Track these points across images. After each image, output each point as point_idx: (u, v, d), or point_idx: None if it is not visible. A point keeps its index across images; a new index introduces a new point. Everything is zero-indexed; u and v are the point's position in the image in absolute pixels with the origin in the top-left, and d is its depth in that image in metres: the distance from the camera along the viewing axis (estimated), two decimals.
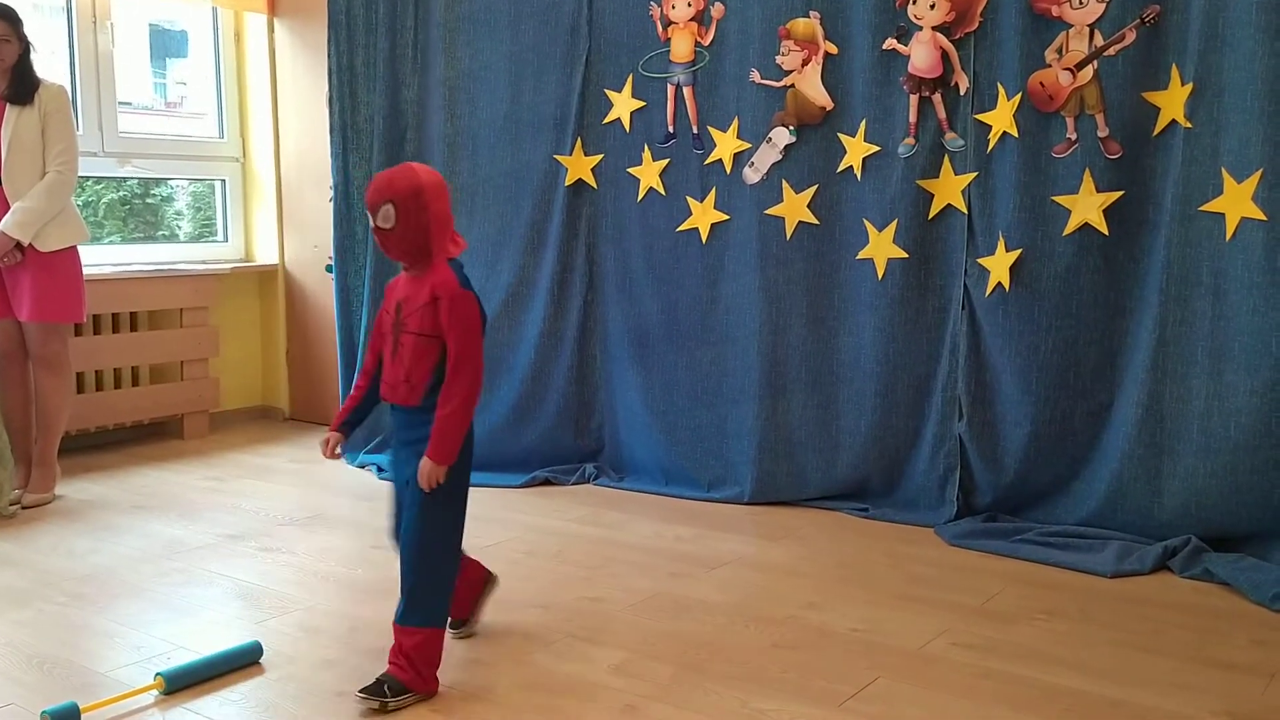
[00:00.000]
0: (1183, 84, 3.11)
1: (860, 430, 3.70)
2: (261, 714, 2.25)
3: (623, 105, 4.06)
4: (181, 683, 2.34)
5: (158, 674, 2.34)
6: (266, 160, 5.32)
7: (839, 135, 3.67)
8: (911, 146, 3.53)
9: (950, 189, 3.50)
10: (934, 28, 3.45)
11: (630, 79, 4.04)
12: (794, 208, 3.74)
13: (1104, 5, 3.20)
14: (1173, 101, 3.14)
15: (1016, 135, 3.34)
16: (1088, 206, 3.25)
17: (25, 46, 3.76)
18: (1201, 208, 3.10)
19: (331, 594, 2.97)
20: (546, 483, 4.18)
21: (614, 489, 4.09)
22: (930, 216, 3.54)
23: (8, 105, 3.71)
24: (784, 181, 3.75)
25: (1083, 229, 3.27)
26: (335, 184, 4.65)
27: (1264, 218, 2.98)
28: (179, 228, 5.51)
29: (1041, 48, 3.30)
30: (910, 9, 3.48)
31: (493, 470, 4.22)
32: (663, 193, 4.01)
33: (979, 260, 3.45)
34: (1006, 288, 3.38)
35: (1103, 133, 3.23)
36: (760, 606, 2.86)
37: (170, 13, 5.44)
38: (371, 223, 2.25)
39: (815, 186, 3.71)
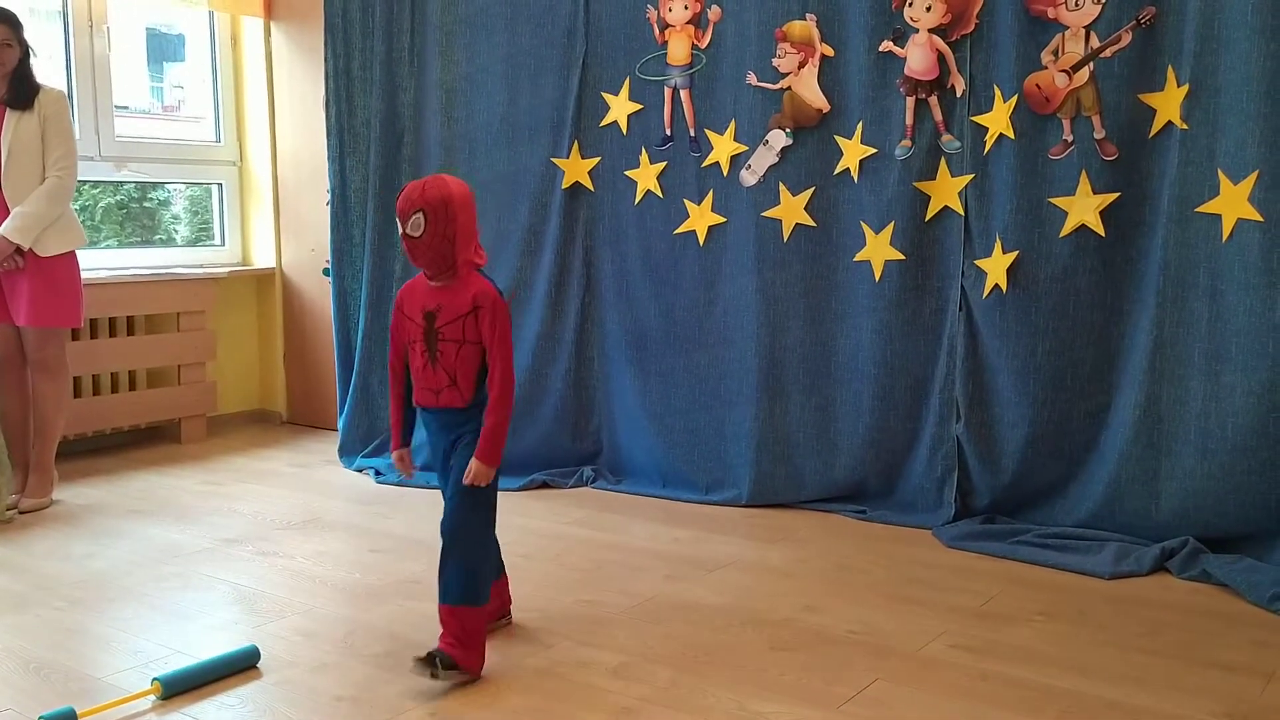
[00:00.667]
0: (1178, 85, 3.11)
1: (858, 432, 3.70)
2: (259, 718, 2.24)
3: (620, 108, 4.06)
4: (179, 688, 2.33)
5: (155, 679, 2.33)
6: (263, 164, 5.32)
7: (835, 138, 3.67)
8: (908, 149, 3.53)
9: (947, 191, 3.50)
10: (930, 30, 3.45)
11: (627, 82, 4.04)
12: (791, 210, 3.74)
13: (1100, 7, 3.20)
14: (1169, 103, 3.14)
15: (1013, 137, 3.34)
16: (1084, 208, 3.25)
17: (25, 51, 3.76)
18: (1198, 209, 3.11)
19: (329, 598, 2.96)
20: (544, 485, 4.17)
21: (612, 492, 4.09)
22: (927, 218, 3.54)
23: (7, 110, 3.71)
24: (781, 184, 3.75)
25: (1079, 230, 3.27)
26: (332, 187, 4.65)
27: (1260, 219, 2.98)
28: (176, 232, 5.51)
29: (1037, 50, 3.30)
30: (906, 11, 3.48)
31: None
32: (660, 195, 4.01)
33: (976, 262, 3.46)
34: (1004, 289, 3.38)
35: (1099, 134, 3.23)
36: (758, 609, 2.86)
37: (167, 17, 5.44)
38: (401, 230, 2.34)
39: (812, 189, 3.71)
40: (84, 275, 3.96)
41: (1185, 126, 3.11)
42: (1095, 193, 3.24)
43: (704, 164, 3.91)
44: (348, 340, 4.66)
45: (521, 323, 4.26)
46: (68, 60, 4.72)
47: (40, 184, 3.73)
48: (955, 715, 2.24)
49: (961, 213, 3.48)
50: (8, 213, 3.69)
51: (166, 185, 5.35)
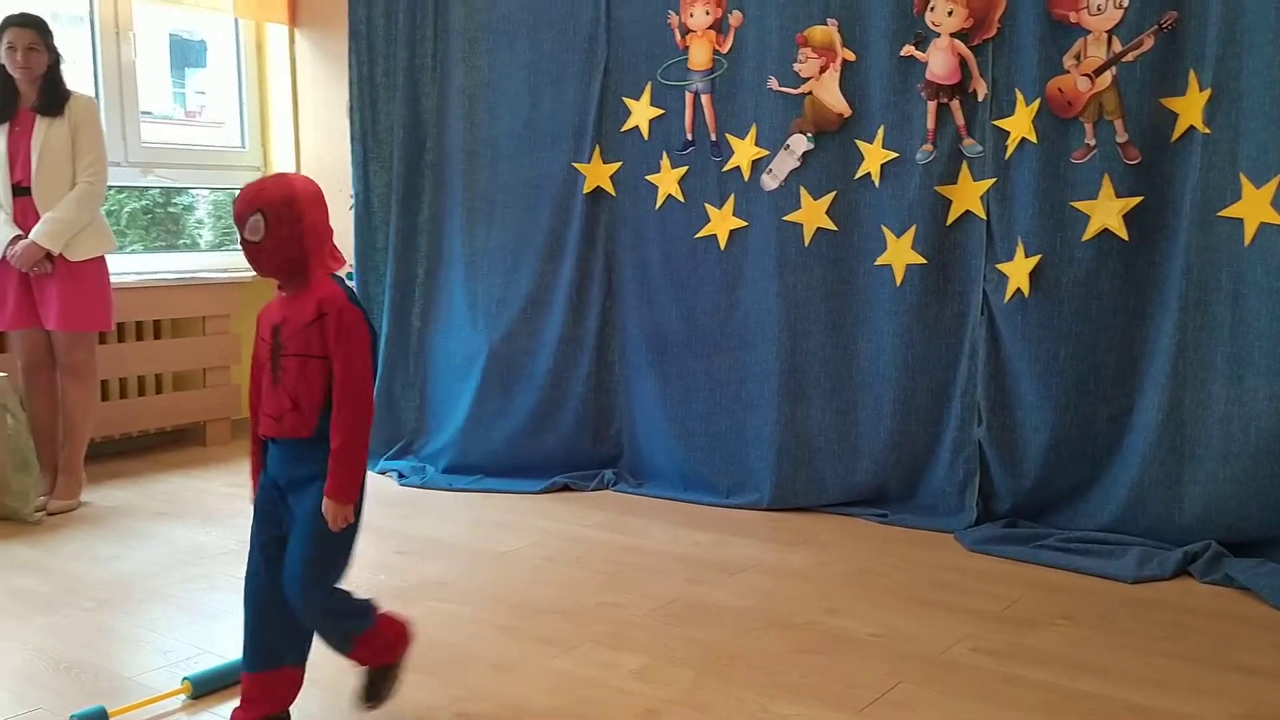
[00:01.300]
0: (1201, 90, 3.11)
1: (879, 436, 3.71)
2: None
3: (641, 113, 4.08)
4: (208, 687, 2.37)
5: (185, 678, 2.37)
6: (287, 169, 5.37)
7: (857, 142, 3.68)
8: (930, 153, 3.54)
9: (969, 195, 3.50)
10: (952, 34, 3.46)
11: (649, 87, 4.06)
12: (812, 214, 3.75)
13: (1122, 11, 3.20)
14: (1191, 107, 3.14)
15: (1035, 141, 3.34)
16: (1107, 212, 3.25)
17: (55, 58, 3.81)
18: (1220, 213, 3.10)
19: None
20: (565, 488, 4.20)
21: (632, 495, 4.11)
22: (949, 222, 3.55)
23: (38, 116, 3.76)
24: (802, 188, 3.76)
25: (1102, 234, 3.27)
26: (356, 193, 4.69)
27: None
28: (200, 236, 5.56)
29: (1060, 54, 3.31)
30: (928, 16, 3.49)
31: (512, 476, 4.25)
32: (681, 200, 4.03)
33: (998, 266, 3.46)
34: (1026, 293, 3.39)
35: (1121, 138, 3.23)
36: (780, 612, 2.87)
37: (190, 23, 5.49)
38: (239, 235, 2.02)
39: (833, 193, 3.72)
40: (111, 280, 4.01)
41: (1207, 131, 3.10)
42: (1118, 197, 3.24)
43: (725, 168, 3.93)
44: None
45: (542, 327, 4.29)
46: (94, 66, 4.78)
47: (70, 189, 3.78)
48: (977, 719, 2.25)
49: (983, 217, 3.48)
50: (38, 218, 3.74)
51: (190, 190, 5.40)
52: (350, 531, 2.07)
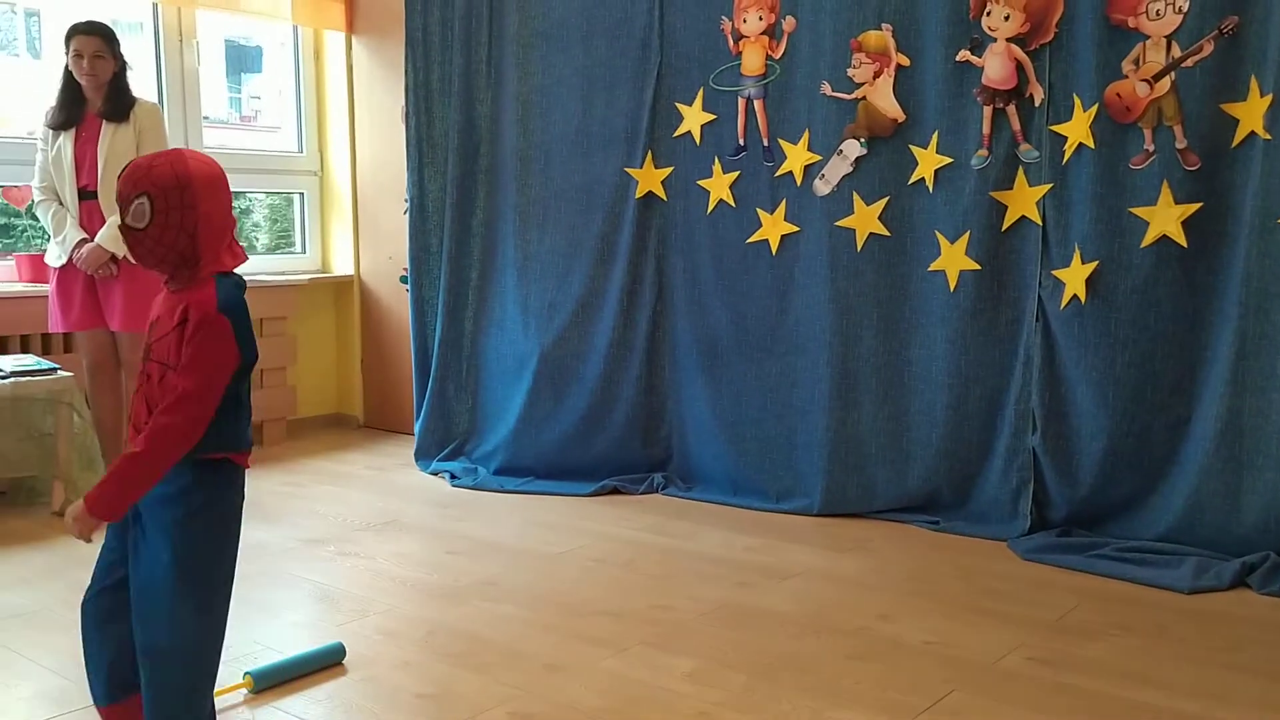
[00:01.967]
0: (1262, 95, 3.07)
1: (931, 442, 3.69)
2: (346, 714, 2.32)
3: (693, 118, 4.10)
4: (269, 681, 2.42)
5: (246, 673, 2.42)
6: (343, 174, 5.45)
7: (910, 147, 3.67)
8: (985, 158, 3.52)
9: (1025, 200, 3.48)
10: (1008, 39, 3.44)
11: (701, 92, 4.08)
12: (865, 219, 3.74)
13: (1181, 16, 3.17)
14: (1252, 113, 3.09)
15: (1093, 146, 3.31)
16: (1166, 218, 3.22)
17: (121, 64, 3.90)
18: None
19: (408, 598, 3.03)
20: (615, 491, 4.22)
21: (682, 498, 4.12)
22: (1004, 228, 3.53)
23: (104, 122, 3.86)
24: (855, 193, 3.76)
25: (1161, 241, 3.24)
26: (411, 197, 4.75)
27: None
28: (256, 239, 5.66)
29: (1118, 59, 3.28)
30: (984, 21, 3.47)
31: (562, 478, 4.29)
32: (732, 205, 4.04)
33: (1054, 272, 3.43)
34: (1082, 300, 3.36)
35: (1181, 144, 3.20)
36: (832, 617, 2.87)
37: (247, 29, 5.60)
38: (120, 218, 1.73)
39: (886, 198, 3.71)
40: None
41: (1268, 137, 3.06)
42: (1177, 203, 3.20)
43: (777, 173, 3.93)
44: (425, 347, 4.75)
45: (593, 330, 4.32)
46: (159, 73, 4.89)
47: None
48: None
49: (1039, 222, 3.46)
50: (103, 221, 3.84)
51: (248, 194, 5.50)
52: (216, 586, 1.79)
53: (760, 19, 3.92)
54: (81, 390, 3.90)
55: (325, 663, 2.54)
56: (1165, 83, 3.20)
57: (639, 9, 4.17)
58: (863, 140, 3.74)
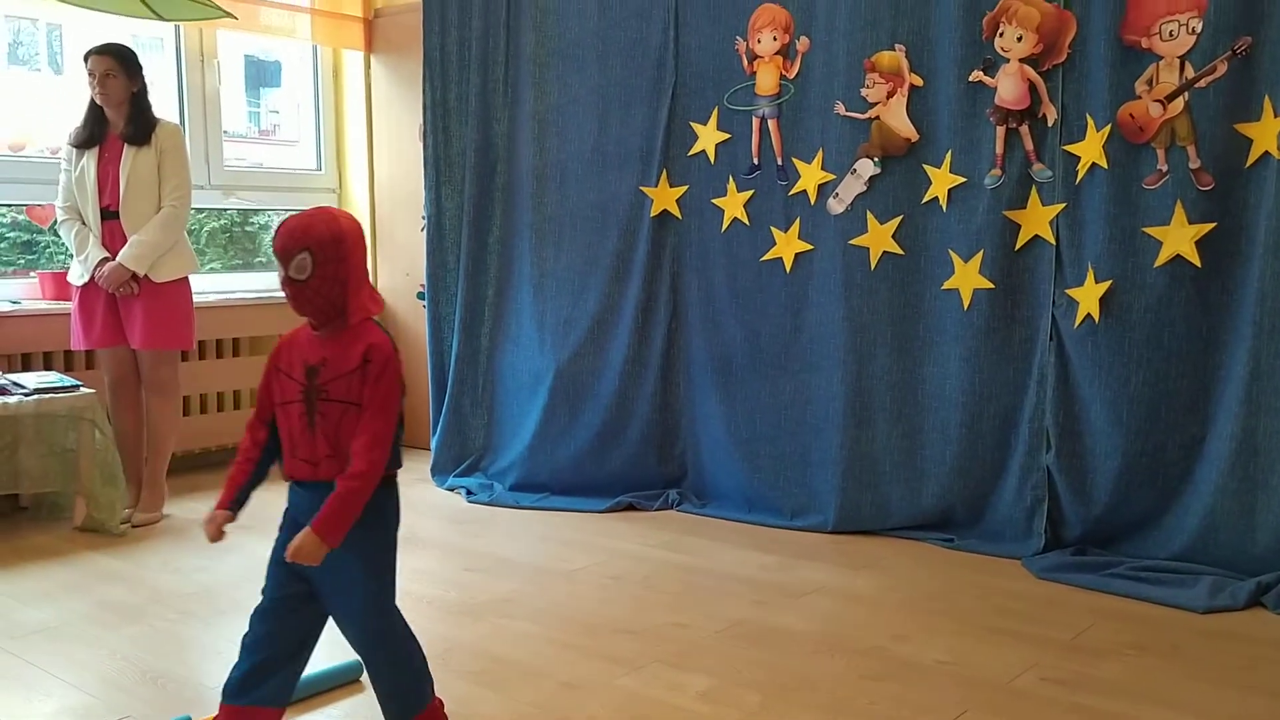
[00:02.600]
0: (1275, 115, 3.08)
1: (945, 460, 3.70)
2: None
3: (708, 137, 4.13)
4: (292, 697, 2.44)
5: None
6: (361, 191, 5.50)
7: (924, 166, 3.69)
8: (998, 178, 3.54)
9: (1038, 220, 3.49)
10: (1021, 60, 3.46)
11: (715, 111, 4.11)
12: (878, 238, 3.76)
13: (1195, 37, 3.18)
14: (1265, 133, 3.10)
15: (1106, 166, 3.33)
16: (1179, 238, 3.23)
17: (140, 85, 3.94)
18: None
19: (426, 615, 3.06)
20: (630, 508, 4.24)
21: (696, 515, 4.14)
22: (1017, 247, 3.54)
23: (125, 145, 3.91)
24: (868, 212, 3.78)
25: (1174, 260, 3.25)
26: (429, 215, 4.79)
27: None
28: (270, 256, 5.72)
29: (1131, 79, 3.29)
30: (997, 41, 3.49)
31: (577, 494, 4.31)
32: (747, 223, 4.07)
33: (1068, 291, 3.44)
34: (1096, 319, 3.37)
35: (1194, 164, 3.21)
36: (846, 636, 2.88)
37: (266, 44, 5.66)
38: (281, 273, 1.95)
39: (900, 217, 3.73)
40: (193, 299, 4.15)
41: None
42: (1190, 223, 3.21)
43: (791, 192, 3.96)
44: (441, 363, 4.79)
45: (608, 347, 4.35)
46: (180, 92, 4.95)
47: (156, 213, 3.92)
48: None
49: (1053, 242, 3.47)
50: (125, 241, 3.89)
51: (266, 211, 5.56)
52: (388, 570, 2.06)
53: (774, 39, 3.95)
54: (103, 407, 3.94)
55: (342, 680, 2.56)
56: (1179, 103, 3.22)
57: (654, 29, 4.21)
58: (876, 159, 3.76)
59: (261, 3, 4.97)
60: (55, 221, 4.07)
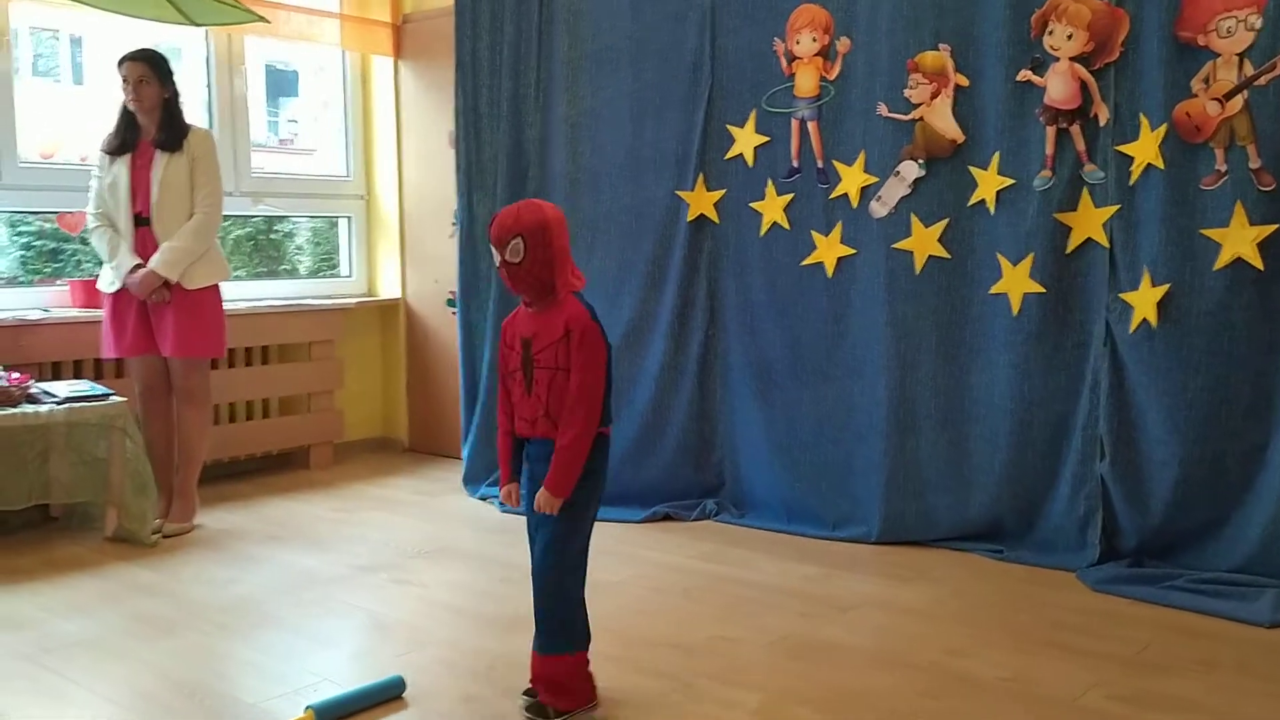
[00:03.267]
0: None
1: (994, 469, 3.61)
2: None
3: (745, 140, 4.06)
4: (331, 715, 2.37)
5: (308, 706, 2.38)
6: (390, 198, 5.45)
7: (970, 168, 3.60)
8: (1049, 179, 3.45)
9: (1090, 222, 3.40)
10: (1071, 58, 3.37)
11: (753, 114, 4.03)
12: (923, 241, 3.68)
13: (1254, 34, 3.09)
14: None
15: (1162, 167, 3.23)
16: (1240, 240, 3.13)
17: (173, 91, 3.90)
18: None
19: (466, 628, 2.99)
20: (667, 518, 4.16)
21: (735, 525, 4.06)
22: (1068, 251, 3.45)
23: (157, 151, 3.86)
24: (913, 215, 3.69)
25: (1235, 263, 3.15)
26: (460, 221, 4.73)
27: None
28: (299, 263, 5.67)
29: (1187, 77, 3.20)
30: (1046, 40, 3.41)
31: (613, 504, 4.21)
32: (786, 227, 3.99)
33: (1122, 295, 3.35)
34: (1153, 324, 3.27)
35: (1255, 164, 3.11)
36: (899, 651, 2.79)
37: (284, 54, 5.62)
38: (498, 258, 2.28)
39: (945, 220, 3.65)
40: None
41: None
42: (1251, 224, 3.11)
43: (832, 195, 3.88)
44: (473, 371, 4.72)
45: (644, 354, 4.27)
46: (209, 100, 4.91)
47: (188, 220, 3.87)
48: None
49: (1106, 245, 3.38)
50: (157, 247, 3.84)
51: (292, 218, 5.51)
52: (581, 521, 2.38)
53: (814, 40, 3.88)
54: (134, 415, 3.89)
55: (386, 696, 2.49)
56: (1237, 101, 3.13)
57: (689, 32, 4.14)
58: (920, 161, 3.68)
59: (290, 8, 4.93)
60: (86, 229, 4.02)
